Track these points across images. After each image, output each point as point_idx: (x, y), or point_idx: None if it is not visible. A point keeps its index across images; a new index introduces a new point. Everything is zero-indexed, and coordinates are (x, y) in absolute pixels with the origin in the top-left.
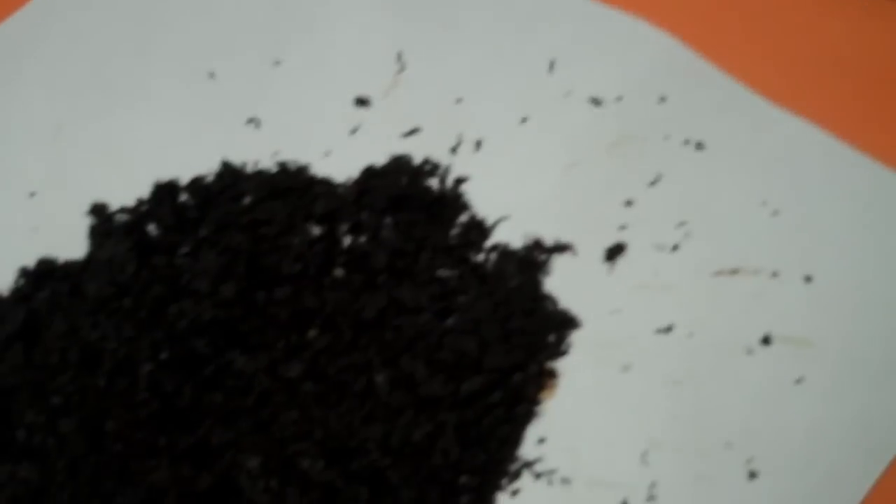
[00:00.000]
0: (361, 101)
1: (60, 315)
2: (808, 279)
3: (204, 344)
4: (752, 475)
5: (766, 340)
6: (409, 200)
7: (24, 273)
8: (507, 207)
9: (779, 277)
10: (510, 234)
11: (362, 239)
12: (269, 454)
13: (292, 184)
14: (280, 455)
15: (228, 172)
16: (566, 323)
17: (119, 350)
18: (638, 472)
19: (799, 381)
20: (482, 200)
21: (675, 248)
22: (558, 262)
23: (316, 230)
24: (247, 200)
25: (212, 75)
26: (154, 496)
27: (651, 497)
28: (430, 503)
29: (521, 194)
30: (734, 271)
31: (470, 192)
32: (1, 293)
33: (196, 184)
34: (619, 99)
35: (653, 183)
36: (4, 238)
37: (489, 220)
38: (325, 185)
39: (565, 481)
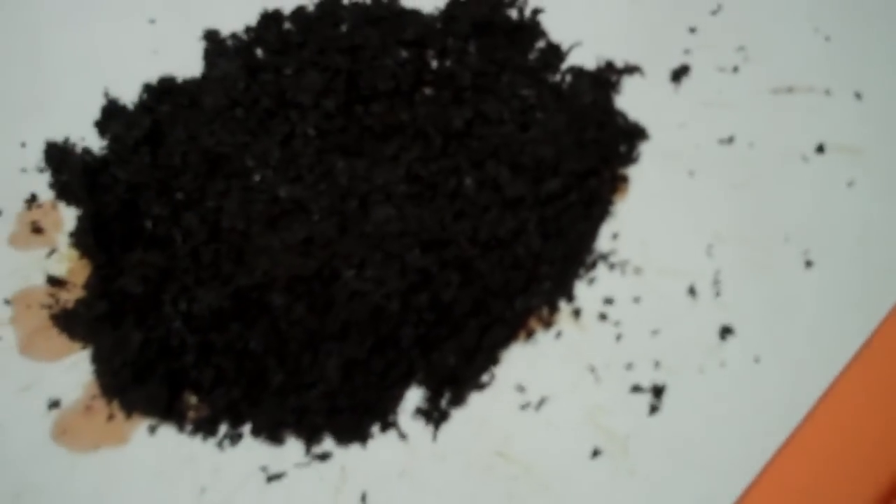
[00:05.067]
0: None
1: (181, 124)
2: (858, 95)
3: (311, 151)
4: (808, 264)
5: (819, 149)
6: (491, 27)
7: (148, 88)
8: (580, 34)
9: (831, 94)
10: (584, 58)
11: (448, 62)
12: (370, 246)
13: (385, 13)
14: (380, 247)
15: (328, 2)
16: (635, 134)
17: (233, 154)
18: (704, 262)
19: (850, 184)
20: (558, 27)
21: (735, 69)
22: (628, 82)
23: (406, 53)
24: (344, 27)
25: None
26: (266, 280)
27: (716, 282)
28: (514, 288)
29: (594, 22)
30: (790, 89)
31: (546, 20)
32: (128, 106)
33: (299, 13)
34: None
35: (714, 12)
36: (129, 60)
37: (565, 46)
38: (415, 13)
39: (637, 270)
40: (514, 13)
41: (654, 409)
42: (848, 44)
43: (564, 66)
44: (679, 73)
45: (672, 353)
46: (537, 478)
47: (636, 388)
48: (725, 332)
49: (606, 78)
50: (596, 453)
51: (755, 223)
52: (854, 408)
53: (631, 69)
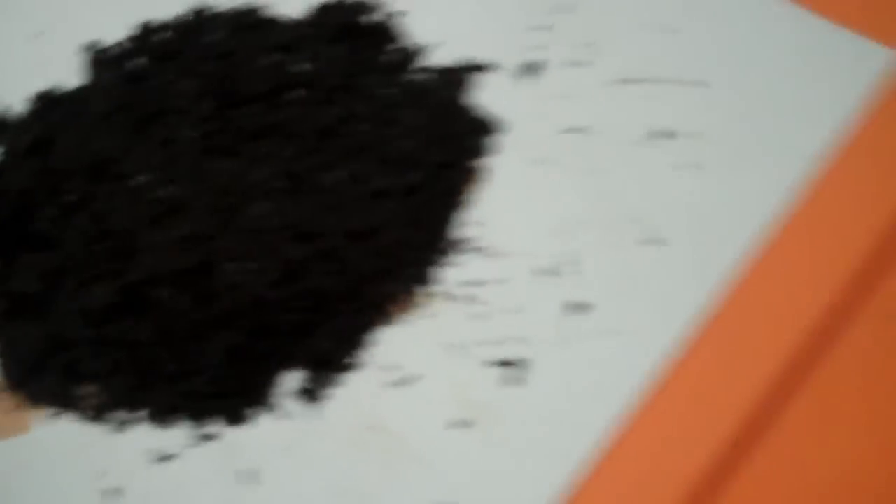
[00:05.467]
0: None
1: (69, 131)
2: (701, 84)
3: (190, 153)
4: (656, 242)
5: (665, 135)
6: (356, 30)
7: (33, 99)
8: (441, 35)
9: (677, 83)
10: (443, 57)
11: (316, 64)
12: (248, 240)
13: (256, 20)
14: (256, 241)
15: (203, 12)
16: (492, 127)
17: (118, 158)
18: (561, 243)
19: (695, 166)
20: (420, 30)
21: (586, 63)
22: (486, 79)
23: (277, 57)
24: (218, 35)
25: None
26: (152, 275)
27: (573, 262)
28: (383, 274)
29: (453, 23)
30: (638, 80)
31: (408, 23)
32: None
33: (176, 22)
34: None
35: (566, 10)
36: (16, 72)
37: (425, 47)
38: (284, 20)
39: (500, 254)
40: (376, 17)
41: (518, 380)
42: (693, 36)
43: (424, 65)
44: (533, 68)
45: (534, 328)
46: (410, 449)
47: (502, 363)
48: (582, 306)
49: (464, 75)
50: (465, 424)
51: (607, 205)
52: (699, 372)
53: (486, 66)
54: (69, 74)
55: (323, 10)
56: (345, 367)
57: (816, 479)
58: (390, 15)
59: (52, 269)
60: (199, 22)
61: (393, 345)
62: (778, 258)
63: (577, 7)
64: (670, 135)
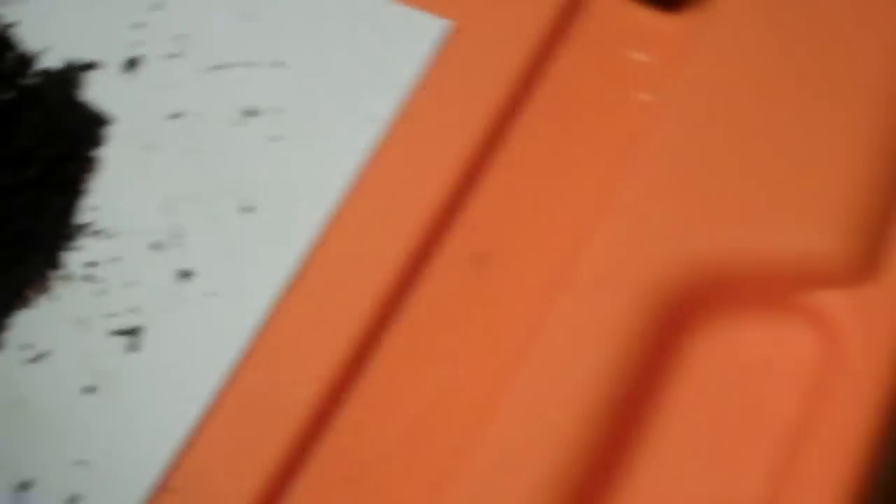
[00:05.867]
0: None
1: None
2: (278, 64)
3: None
4: (248, 210)
5: (250, 113)
6: None
7: None
8: (49, 41)
9: (256, 66)
10: (54, 61)
11: None
12: None
13: None
14: None
15: None
16: (101, 120)
17: None
18: (168, 219)
19: (277, 138)
20: (30, 38)
21: (178, 54)
22: (92, 76)
23: None
24: None
25: None
26: None
27: (178, 235)
28: (11, 264)
29: (58, 29)
30: (227, 66)
31: (20, 32)
32: None
33: None
34: None
35: (156, 7)
36: None
37: (37, 52)
38: None
39: (115, 234)
40: None
41: (134, 346)
42: (271, 22)
43: (36, 69)
44: (132, 63)
45: (147, 298)
46: (50, 419)
47: (119, 332)
48: (186, 274)
49: (72, 76)
50: (93, 390)
51: (205, 182)
52: (294, 324)
53: (92, 65)
54: None
55: None
56: None
57: (404, 424)
58: (4, 26)
59: None
60: None
61: (27, 326)
62: (356, 214)
63: (167, 4)
64: (257, 112)
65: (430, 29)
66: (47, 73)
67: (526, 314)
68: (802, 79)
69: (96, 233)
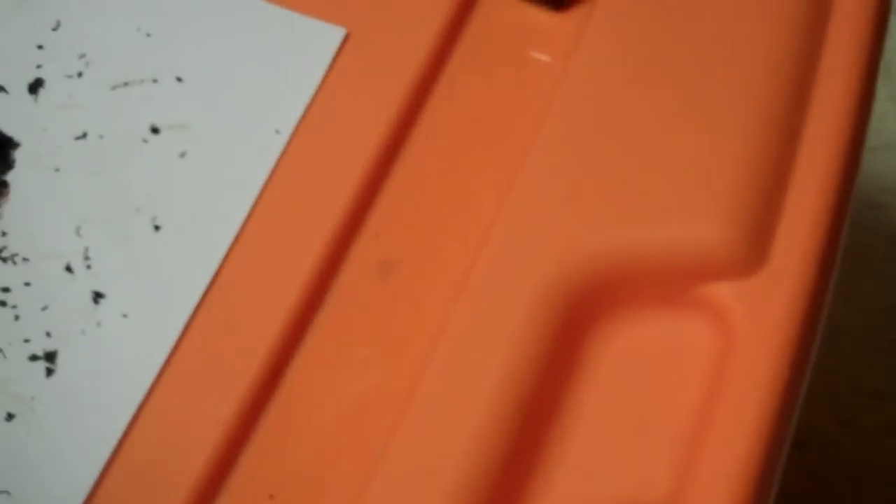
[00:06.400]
0: None
1: None
2: (180, 80)
3: None
4: (157, 228)
5: (155, 130)
6: None
7: None
8: None
9: (158, 82)
10: None
11: None
12: None
13: None
14: None
15: None
16: (6, 144)
17: None
18: (76, 242)
19: (182, 155)
20: None
21: (80, 74)
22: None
23: None
24: None
25: None
26: None
27: (87, 257)
28: None
29: None
30: (126, 83)
31: None
32: None
33: None
34: None
35: (55, 28)
36: None
37: None
38: None
39: (25, 260)
40: None
41: (50, 371)
42: (166, 37)
43: None
44: (35, 86)
45: (59, 323)
46: None
47: (34, 357)
48: (98, 296)
49: None
50: (9, 417)
51: (113, 202)
52: (205, 341)
53: None
54: None
55: None
56: None
57: (320, 436)
58: None
59: None
60: None
61: None
62: (263, 228)
63: (66, 23)
64: (162, 129)
65: (325, 38)
66: None
67: (435, 320)
68: (687, 70)
69: (6, 259)
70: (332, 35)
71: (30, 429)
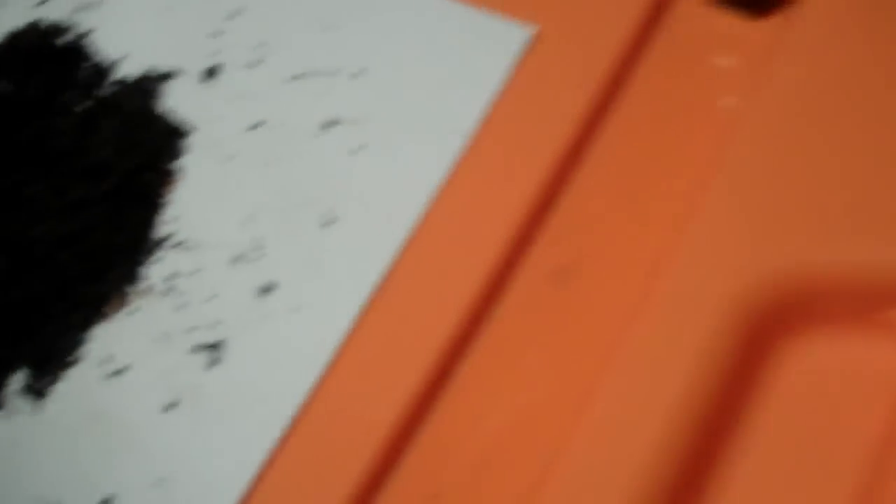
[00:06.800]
0: None
1: None
2: (358, 74)
3: None
4: (330, 222)
5: (330, 124)
6: (50, 53)
7: None
8: (127, 48)
9: (336, 76)
10: (131, 69)
11: (12, 86)
12: None
13: None
14: None
15: None
16: (181, 131)
17: None
18: (248, 231)
19: (358, 149)
20: (107, 46)
21: (257, 63)
22: (170, 85)
23: None
24: None
25: None
26: None
27: (259, 247)
28: (91, 278)
29: (135, 37)
30: (303, 75)
31: (98, 40)
32: None
33: None
34: None
35: (233, 16)
36: None
37: (112, 61)
38: None
39: (196, 246)
40: (68, 38)
41: (215, 361)
42: (352, 31)
43: (117, 78)
44: (212, 72)
45: (227, 313)
46: (129, 433)
47: (200, 347)
48: (267, 288)
49: (148, 85)
50: (174, 405)
51: (286, 194)
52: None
53: (168, 75)
54: None
55: (14, 38)
56: (64, 364)
57: (487, 439)
58: (81, 35)
59: None
60: None
61: (106, 340)
62: (438, 228)
63: (246, 11)
64: (338, 123)
65: (512, 36)
66: (124, 83)
67: (607, 330)
68: (894, 84)
69: (176, 246)
70: (519, 34)
71: (192, 418)
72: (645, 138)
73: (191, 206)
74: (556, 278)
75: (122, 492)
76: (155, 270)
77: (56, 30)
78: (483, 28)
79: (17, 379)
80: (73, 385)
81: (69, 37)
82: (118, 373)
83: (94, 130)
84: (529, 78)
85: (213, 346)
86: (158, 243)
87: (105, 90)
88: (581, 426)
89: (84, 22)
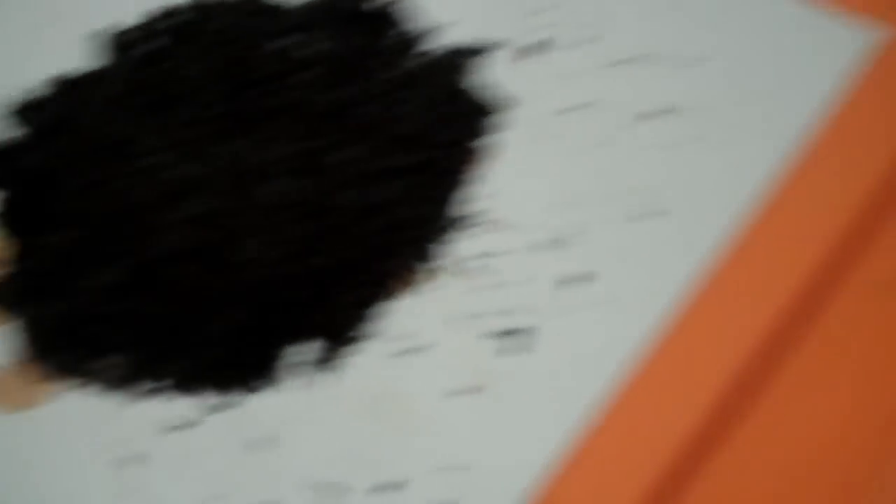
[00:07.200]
0: None
1: (87, 113)
2: (686, 63)
3: (203, 134)
4: (649, 213)
5: (664, 110)
6: (358, 15)
7: (56, 78)
8: (445, 16)
9: (662, 64)
10: (449, 38)
11: (320, 49)
12: (258, 218)
13: (259, 7)
14: (269, 218)
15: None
16: (498, 106)
17: (135, 138)
18: (568, 216)
19: (682, 140)
20: (424, 11)
21: (583, 44)
22: (489, 59)
23: (284, 42)
24: (227, 20)
25: None
26: (166, 252)
27: (579, 233)
28: (393, 250)
29: (457, 4)
30: (629, 60)
31: (413, 5)
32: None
33: (185, 7)
34: None
35: None
36: (35, 55)
37: (427, 27)
38: (287, 7)
39: (509, 226)
40: (379, 2)
41: (523, 348)
42: (691, 14)
43: (431, 46)
44: (534, 49)
45: (537, 297)
46: (419, 415)
47: (509, 332)
48: (582, 277)
49: (470, 55)
50: (470, 390)
51: (605, 181)
52: (691, 337)
53: (492, 45)
54: (85, 57)
55: None
56: (355, 338)
57: (803, 446)
58: (386, 3)
59: (68, 248)
60: (208, 7)
61: (402, 316)
62: (765, 227)
63: None
64: (667, 110)
65: (859, 41)
66: (442, 52)
67: None
68: None
69: (484, 224)
70: (867, 38)
71: (486, 405)
72: None
73: (501, 184)
74: (881, 291)
75: (413, 476)
76: (458, 249)
77: None
78: (828, 30)
79: (308, 350)
80: (364, 361)
81: (382, 1)
82: (410, 352)
83: (403, 100)
84: (874, 84)
85: (518, 332)
86: (464, 221)
87: (419, 58)
88: None
89: None
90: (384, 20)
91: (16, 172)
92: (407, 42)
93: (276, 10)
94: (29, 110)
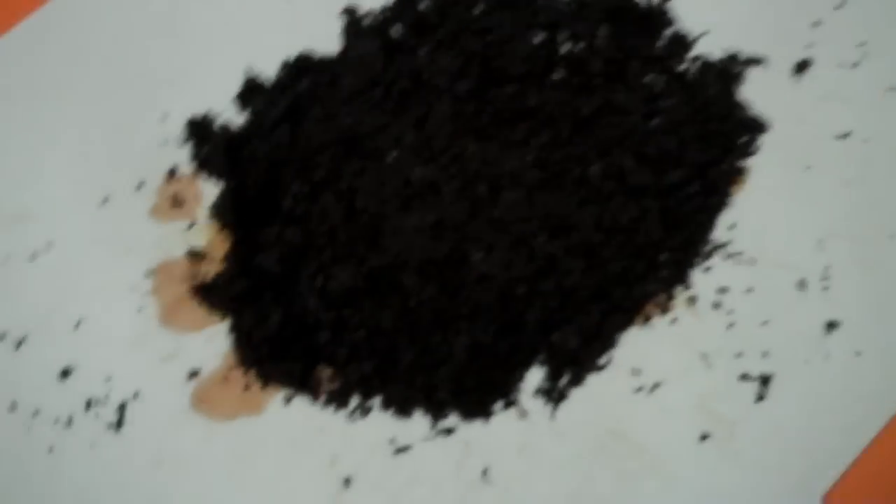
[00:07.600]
0: None
1: (319, 103)
2: None
3: (444, 134)
4: None
5: None
6: (621, 14)
7: (286, 66)
8: (706, 23)
9: None
10: (710, 47)
11: (580, 46)
12: (498, 230)
13: None
14: (508, 231)
15: None
16: (756, 127)
17: (369, 134)
18: (815, 255)
19: None
20: (685, 15)
21: (855, 64)
22: (751, 74)
23: (539, 37)
24: (478, 10)
25: None
26: (398, 261)
27: (825, 276)
28: (634, 274)
29: (720, 11)
30: None
31: (674, 8)
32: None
33: None
34: None
35: (838, 7)
36: (267, 33)
37: (692, 35)
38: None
39: (751, 261)
40: (643, 0)
41: (760, 396)
42: None
43: (691, 54)
44: (801, 67)
45: (780, 343)
46: (647, 458)
47: (745, 377)
48: (831, 325)
49: (731, 69)
50: (704, 437)
51: (867, 219)
52: None
53: (755, 61)
54: (324, 39)
55: None
56: (588, 368)
57: None
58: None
59: (295, 248)
60: None
61: (638, 348)
62: None
63: (850, 2)
64: None
65: None
66: (704, 63)
67: None
68: None
69: (732, 255)
70: None
71: (724, 454)
72: None
73: (752, 213)
74: None
75: None
76: (703, 279)
77: None
78: None
79: (532, 377)
80: (595, 393)
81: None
82: (646, 388)
83: (661, 112)
84: None
85: (761, 380)
86: (713, 249)
87: (679, 67)
88: None
89: None
90: (651, 20)
91: (241, 161)
92: (672, 47)
93: (536, 1)
94: (259, 93)
